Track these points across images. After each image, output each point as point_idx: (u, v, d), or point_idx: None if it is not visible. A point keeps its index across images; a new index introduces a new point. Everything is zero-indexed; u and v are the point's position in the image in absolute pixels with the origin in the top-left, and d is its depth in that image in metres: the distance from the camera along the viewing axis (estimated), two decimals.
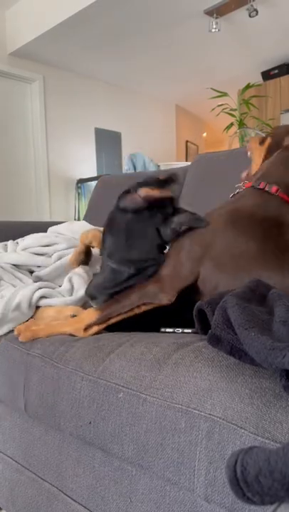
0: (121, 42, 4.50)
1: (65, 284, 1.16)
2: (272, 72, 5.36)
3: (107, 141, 5.71)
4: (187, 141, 7.17)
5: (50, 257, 1.32)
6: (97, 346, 0.84)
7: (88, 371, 0.79)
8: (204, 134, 7.73)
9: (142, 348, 0.77)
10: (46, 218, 4.97)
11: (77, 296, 1.11)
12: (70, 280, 1.17)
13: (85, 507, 0.84)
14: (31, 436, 0.97)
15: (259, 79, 5.40)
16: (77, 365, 0.82)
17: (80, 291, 1.11)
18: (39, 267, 1.31)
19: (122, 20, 4.02)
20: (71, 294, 1.14)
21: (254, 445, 0.46)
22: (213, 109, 4.05)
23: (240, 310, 0.58)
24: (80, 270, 1.21)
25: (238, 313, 0.58)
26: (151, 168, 3.92)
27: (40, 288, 1.12)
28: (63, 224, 1.64)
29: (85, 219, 2.16)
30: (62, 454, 0.89)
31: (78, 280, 1.16)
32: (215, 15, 3.98)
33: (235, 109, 3.91)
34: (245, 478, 0.39)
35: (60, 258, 1.29)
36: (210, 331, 0.64)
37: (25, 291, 1.09)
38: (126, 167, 4.08)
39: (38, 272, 1.28)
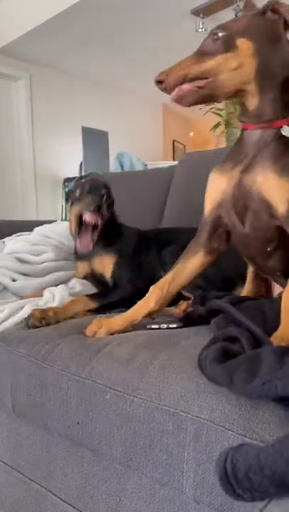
0: (108, 41, 4.48)
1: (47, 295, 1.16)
2: None
3: (94, 140, 5.68)
4: (174, 141, 7.18)
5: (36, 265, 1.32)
6: (83, 345, 0.84)
7: (75, 371, 0.79)
8: (191, 134, 7.75)
9: (128, 348, 0.77)
10: (33, 217, 4.93)
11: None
12: (52, 292, 1.17)
13: (74, 507, 0.84)
14: (19, 436, 0.97)
15: None
16: (63, 365, 0.82)
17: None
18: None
19: (110, 19, 4.01)
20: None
21: (244, 443, 0.47)
22: (200, 109, 4.04)
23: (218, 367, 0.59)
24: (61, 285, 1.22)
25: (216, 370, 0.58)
26: (139, 167, 3.92)
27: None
28: (50, 225, 1.63)
29: None
30: (50, 454, 0.89)
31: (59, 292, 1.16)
32: (201, 15, 3.98)
33: (222, 109, 3.93)
34: (236, 475, 0.39)
35: (48, 273, 1.30)
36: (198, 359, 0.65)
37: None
38: (113, 166, 4.08)
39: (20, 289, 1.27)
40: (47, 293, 1.14)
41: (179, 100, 0.75)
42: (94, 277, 1.31)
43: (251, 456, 0.38)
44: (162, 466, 0.62)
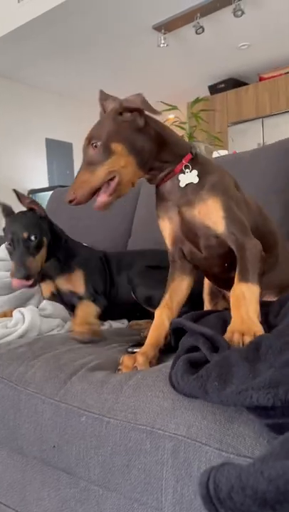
0: (71, 53, 4.49)
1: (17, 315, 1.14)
2: (219, 86, 5.52)
3: (59, 152, 5.67)
4: None
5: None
6: (57, 367, 0.84)
7: (49, 394, 0.79)
8: None
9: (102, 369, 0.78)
10: None
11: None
12: (21, 313, 1.15)
13: None
14: None
15: (207, 92, 5.55)
16: (37, 388, 0.81)
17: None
18: None
19: (73, 32, 4.03)
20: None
21: (225, 461, 0.48)
22: (164, 121, 4.09)
23: (191, 379, 0.60)
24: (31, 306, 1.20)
25: (187, 383, 0.60)
26: None
27: None
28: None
29: None
30: (25, 478, 0.88)
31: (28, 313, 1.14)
32: (163, 31, 4.07)
33: (184, 123, 3.99)
34: (218, 495, 0.40)
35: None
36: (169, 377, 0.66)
37: None
38: None
39: None
40: (16, 314, 1.12)
41: (103, 209, 0.85)
42: (60, 296, 1.30)
43: (233, 476, 0.39)
44: (141, 486, 0.63)
